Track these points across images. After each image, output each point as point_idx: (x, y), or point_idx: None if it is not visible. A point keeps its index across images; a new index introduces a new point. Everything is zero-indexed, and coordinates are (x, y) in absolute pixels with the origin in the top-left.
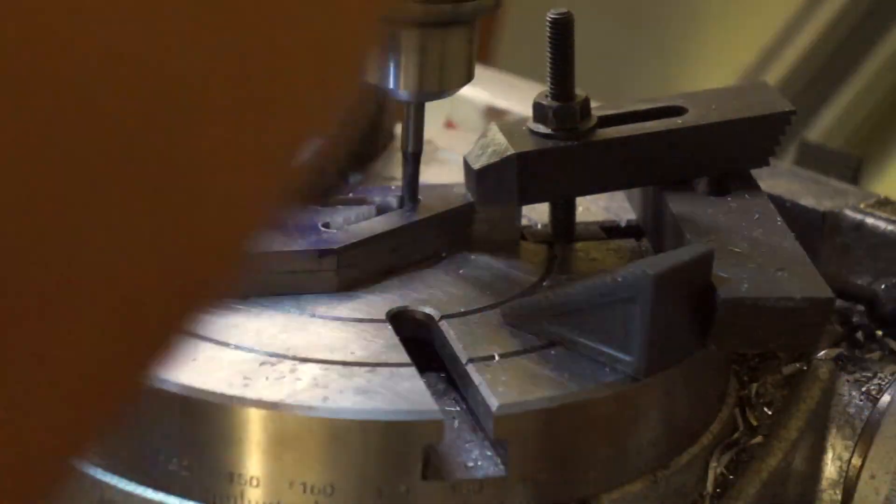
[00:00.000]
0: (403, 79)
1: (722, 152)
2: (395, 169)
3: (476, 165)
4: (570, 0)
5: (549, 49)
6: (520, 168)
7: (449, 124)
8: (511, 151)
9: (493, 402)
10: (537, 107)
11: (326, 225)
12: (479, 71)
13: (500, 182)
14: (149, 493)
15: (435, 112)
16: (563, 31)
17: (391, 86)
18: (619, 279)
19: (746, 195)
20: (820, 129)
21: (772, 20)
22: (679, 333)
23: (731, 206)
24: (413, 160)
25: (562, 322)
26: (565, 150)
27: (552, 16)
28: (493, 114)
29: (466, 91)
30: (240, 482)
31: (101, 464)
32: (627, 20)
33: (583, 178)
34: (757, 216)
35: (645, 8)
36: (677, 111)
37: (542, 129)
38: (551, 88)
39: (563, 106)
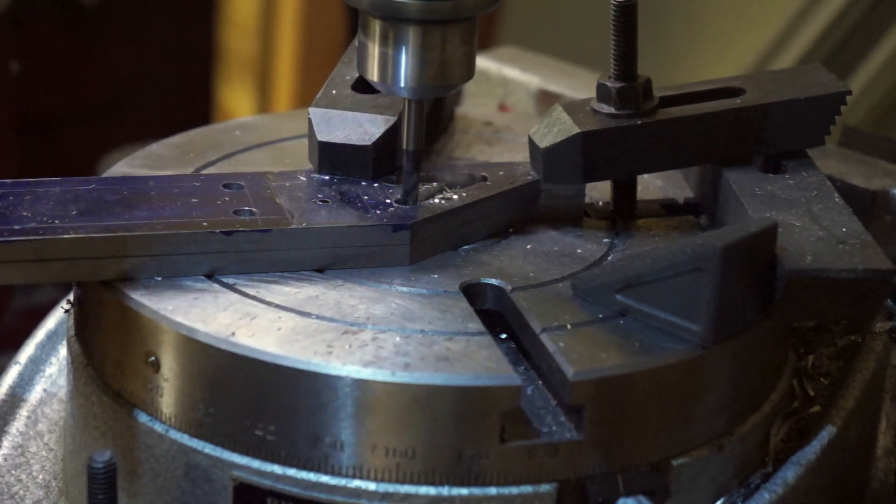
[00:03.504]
0: (403, 76)
1: (779, 131)
2: (457, 148)
3: (542, 144)
4: None
5: (612, 32)
6: (585, 146)
7: (502, 107)
8: (576, 130)
9: (569, 369)
10: (601, 87)
11: (399, 201)
12: (530, 56)
13: (565, 160)
14: (234, 458)
15: (489, 96)
16: (627, 16)
17: (390, 83)
18: (688, 251)
19: (803, 173)
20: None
21: (776, 14)
22: (744, 303)
23: (790, 182)
24: (413, 158)
25: (630, 293)
26: (628, 129)
27: (617, 0)
28: (544, 97)
29: (519, 75)
30: (324, 446)
31: (187, 429)
32: None
33: (645, 157)
34: (815, 193)
35: (647, 6)
36: (735, 92)
37: (605, 108)
38: (614, 69)
39: (626, 86)
